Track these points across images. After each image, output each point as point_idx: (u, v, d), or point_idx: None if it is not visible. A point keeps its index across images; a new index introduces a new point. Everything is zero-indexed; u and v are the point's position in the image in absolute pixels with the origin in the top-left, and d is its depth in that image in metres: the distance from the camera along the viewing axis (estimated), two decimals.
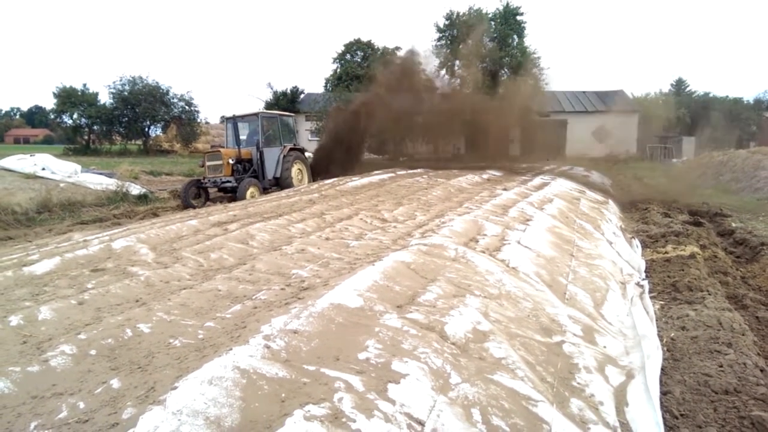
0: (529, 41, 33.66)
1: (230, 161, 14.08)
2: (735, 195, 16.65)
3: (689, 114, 42.32)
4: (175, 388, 2.36)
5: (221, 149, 14.78)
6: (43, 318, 3.62)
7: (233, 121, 15.45)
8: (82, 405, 2.49)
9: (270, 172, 15.05)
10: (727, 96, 48.74)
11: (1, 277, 4.69)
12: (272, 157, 15.16)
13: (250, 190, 13.61)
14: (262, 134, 15.02)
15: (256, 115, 15.36)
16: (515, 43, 33.18)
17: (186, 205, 13.05)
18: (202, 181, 14.21)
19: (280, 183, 15.14)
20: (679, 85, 54.50)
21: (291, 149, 15.73)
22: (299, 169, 16.04)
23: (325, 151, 20.27)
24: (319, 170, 18.18)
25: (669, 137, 37.54)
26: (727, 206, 12.30)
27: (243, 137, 15.58)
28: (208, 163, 14.31)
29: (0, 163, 14.98)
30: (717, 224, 10.44)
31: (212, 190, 14.40)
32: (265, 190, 14.49)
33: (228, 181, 13.84)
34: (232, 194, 13.91)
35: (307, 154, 18.50)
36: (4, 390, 2.65)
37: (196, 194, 14.04)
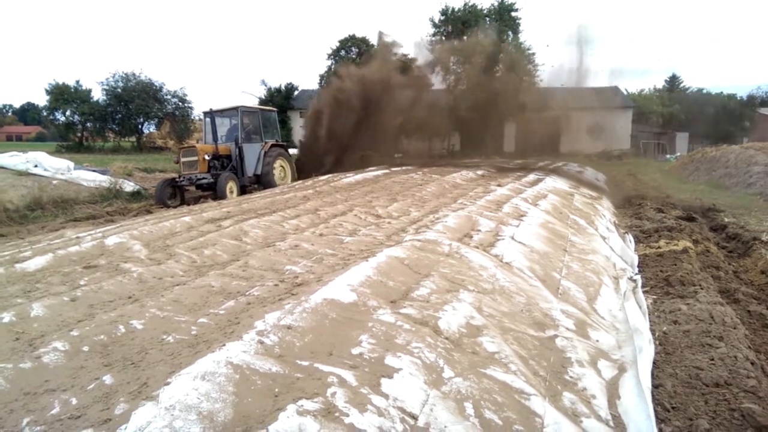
0: (524, 37, 33.71)
1: (206, 157, 13.51)
2: (727, 190, 16.75)
3: (683, 110, 42.51)
4: (168, 383, 2.36)
5: (196, 145, 14.25)
6: (36, 315, 3.60)
7: (211, 115, 14.93)
8: (74, 401, 2.48)
9: (250, 168, 14.50)
10: (722, 92, 48.99)
11: None
12: (252, 153, 14.61)
13: (229, 185, 13.09)
14: (241, 129, 14.53)
15: (235, 109, 14.77)
16: (510, 39, 33.22)
17: (161, 205, 12.60)
18: (177, 179, 13.58)
19: (261, 180, 14.58)
20: (673, 81, 54.71)
21: (273, 145, 15.19)
22: (282, 166, 15.48)
23: (313, 146, 19.50)
24: (306, 167, 17.64)
25: (662, 133, 37.73)
26: (721, 204, 12.35)
27: (223, 134, 15.12)
28: (183, 159, 13.71)
29: None
30: (710, 219, 10.51)
31: (190, 189, 13.83)
32: (245, 188, 14.01)
33: (204, 178, 13.27)
34: (209, 191, 13.40)
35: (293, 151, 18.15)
36: None
37: (171, 194, 13.45)
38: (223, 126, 15.47)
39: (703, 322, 4.20)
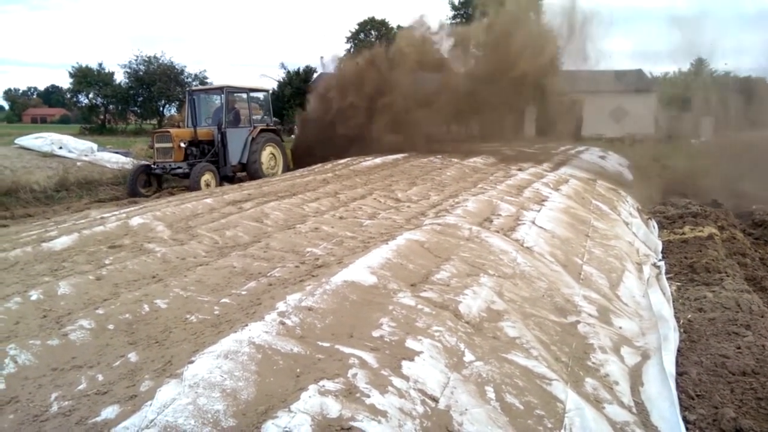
0: (546, 19, 33.04)
1: (182, 144, 12.07)
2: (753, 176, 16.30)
3: (708, 93, 41.40)
4: (192, 362, 2.39)
5: (171, 130, 13.16)
6: (62, 293, 3.67)
7: (192, 96, 13.38)
8: (100, 377, 2.53)
9: (234, 156, 12.86)
10: (750, 75, 47.48)
11: (21, 253, 4.76)
12: (238, 139, 12.98)
13: (205, 178, 11.67)
14: (225, 112, 13.01)
15: (220, 89, 13.31)
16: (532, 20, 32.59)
17: (133, 194, 11.68)
18: (152, 166, 12.36)
19: (248, 169, 13.12)
20: (699, 64, 53.20)
21: (263, 130, 13.54)
22: (272, 153, 13.84)
23: (316, 132, 17.44)
24: (304, 154, 16.05)
25: (687, 117, 36.84)
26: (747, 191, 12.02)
27: (208, 117, 13.82)
28: (156, 146, 12.46)
29: (18, 142, 15.14)
30: (736, 206, 10.29)
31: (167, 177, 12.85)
32: (228, 179, 12.65)
33: (179, 167, 11.93)
34: (187, 179, 12.03)
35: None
36: (26, 362, 2.70)
37: (146, 182, 12.34)
38: (209, 108, 14.22)
39: (729, 310, 4.13)
